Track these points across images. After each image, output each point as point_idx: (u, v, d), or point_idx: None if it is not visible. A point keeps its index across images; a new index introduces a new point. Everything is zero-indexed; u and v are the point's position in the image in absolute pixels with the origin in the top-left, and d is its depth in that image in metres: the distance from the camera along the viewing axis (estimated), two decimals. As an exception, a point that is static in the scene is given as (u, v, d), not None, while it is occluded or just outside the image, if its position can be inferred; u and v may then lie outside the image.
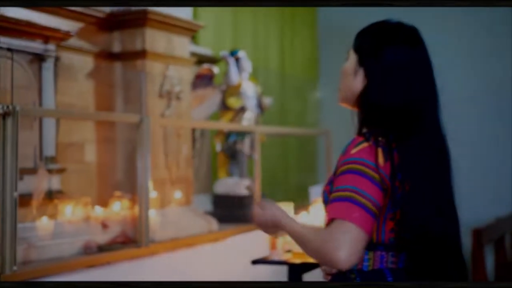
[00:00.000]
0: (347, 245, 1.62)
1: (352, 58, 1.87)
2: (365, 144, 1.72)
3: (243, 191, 5.24)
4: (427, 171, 1.74)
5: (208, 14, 6.04)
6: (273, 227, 1.86)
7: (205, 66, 5.26)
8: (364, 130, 1.80)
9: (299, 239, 1.76)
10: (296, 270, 3.45)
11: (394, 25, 1.87)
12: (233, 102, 5.28)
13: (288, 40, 7.46)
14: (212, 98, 5.28)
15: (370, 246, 1.75)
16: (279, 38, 7.32)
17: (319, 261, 1.74)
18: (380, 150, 1.71)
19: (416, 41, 1.84)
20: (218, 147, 5.40)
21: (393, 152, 1.72)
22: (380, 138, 1.73)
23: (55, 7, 3.75)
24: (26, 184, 3.43)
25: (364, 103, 1.81)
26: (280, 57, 7.30)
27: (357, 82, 1.83)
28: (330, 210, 1.69)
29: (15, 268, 2.99)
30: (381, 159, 1.70)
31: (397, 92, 1.77)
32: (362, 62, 1.83)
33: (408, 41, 1.83)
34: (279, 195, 5.89)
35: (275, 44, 7.22)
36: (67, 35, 3.75)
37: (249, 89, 5.35)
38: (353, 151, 1.72)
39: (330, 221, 1.67)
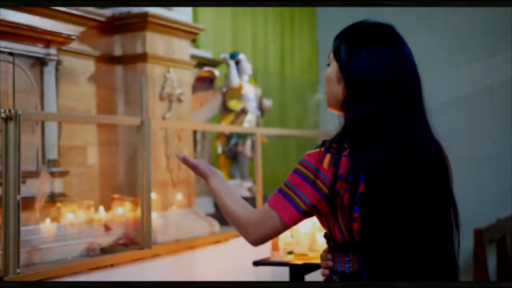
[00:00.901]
0: (264, 229, 1.85)
1: (334, 65, 1.88)
2: (316, 150, 1.79)
3: (245, 193, 5.25)
4: (386, 175, 1.75)
5: (208, 17, 6.07)
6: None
7: (206, 68, 5.29)
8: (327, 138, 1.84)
9: (220, 202, 1.97)
10: (298, 271, 3.46)
11: (370, 27, 1.88)
12: (234, 104, 5.30)
13: (288, 42, 7.49)
14: (213, 100, 5.30)
15: (349, 248, 1.81)
16: (279, 40, 7.34)
17: (233, 226, 1.94)
18: (328, 156, 1.76)
19: (394, 41, 1.85)
20: (220, 149, 5.43)
21: (340, 158, 1.75)
22: (334, 145, 1.77)
23: (56, 12, 3.77)
24: (29, 188, 3.45)
25: (347, 110, 1.83)
26: (280, 59, 7.32)
27: (341, 89, 1.85)
28: (271, 196, 1.87)
29: (18, 270, 3.01)
30: (326, 164, 1.75)
31: (378, 100, 1.79)
32: (342, 70, 1.85)
33: (386, 42, 1.84)
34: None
35: (274, 47, 7.25)
36: (68, 39, 3.76)
37: (250, 91, 5.37)
38: (306, 153, 1.81)
39: (265, 203, 1.87)
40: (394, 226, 1.74)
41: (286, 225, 1.82)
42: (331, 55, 1.90)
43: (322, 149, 1.77)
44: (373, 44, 1.82)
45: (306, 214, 1.80)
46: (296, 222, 1.83)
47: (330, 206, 1.77)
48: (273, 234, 1.86)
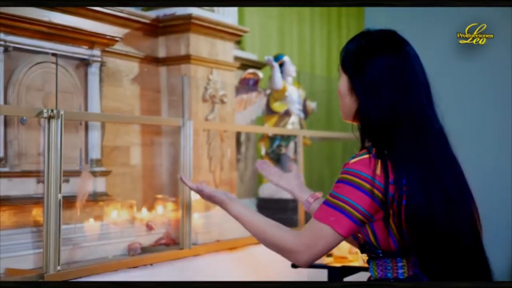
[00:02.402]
0: (317, 248, 1.75)
1: (343, 78, 1.89)
2: (365, 156, 1.77)
3: (287, 195, 5.24)
4: (427, 173, 1.76)
5: (254, 19, 6.09)
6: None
7: (250, 70, 5.30)
8: (367, 143, 1.83)
9: (254, 230, 1.94)
10: (336, 274, 3.45)
11: (373, 36, 1.88)
12: (277, 106, 5.31)
13: (335, 45, 7.47)
14: (257, 102, 5.31)
15: (402, 253, 1.79)
16: (325, 43, 7.33)
17: (277, 252, 1.85)
18: (379, 162, 1.75)
19: (398, 47, 1.85)
20: (263, 151, 5.44)
21: (387, 163, 1.74)
22: (376, 150, 1.77)
23: (100, 13, 3.84)
24: (73, 186, 3.51)
25: (362, 119, 1.84)
26: (326, 62, 7.30)
27: (353, 101, 1.86)
28: (317, 210, 1.79)
29: (59, 268, 3.06)
30: (379, 170, 1.74)
31: (391, 105, 1.79)
32: (352, 82, 1.85)
33: (390, 49, 1.84)
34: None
35: (321, 50, 7.23)
36: (112, 40, 3.82)
37: (294, 93, 5.38)
38: (352, 161, 1.78)
39: (313, 219, 1.79)
40: (445, 224, 1.73)
41: (341, 238, 1.75)
42: (339, 68, 1.91)
43: (371, 155, 1.76)
44: (378, 54, 1.83)
45: (360, 224, 1.76)
46: (351, 233, 1.77)
47: (385, 212, 1.74)
48: (327, 251, 1.78)
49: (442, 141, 1.83)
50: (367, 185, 1.73)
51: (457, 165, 1.84)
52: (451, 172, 1.81)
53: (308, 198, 2.26)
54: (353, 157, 1.79)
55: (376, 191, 1.72)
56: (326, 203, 1.78)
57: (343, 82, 1.89)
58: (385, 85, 1.80)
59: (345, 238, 1.76)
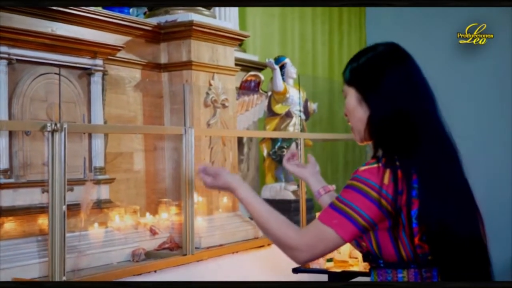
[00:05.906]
0: (318, 249, 1.82)
1: (352, 93, 1.95)
2: (374, 165, 1.82)
3: (290, 196, 5.30)
4: (438, 178, 1.80)
5: (256, 20, 6.13)
6: (227, 192, 2.12)
7: (252, 73, 5.35)
8: (379, 153, 1.88)
9: (258, 218, 2.01)
10: (336, 279, 3.50)
11: (380, 49, 1.95)
12: (279, 108, 5.36)
13: (336, 45, 7.49)
14: (258, 104, 5.36)
15: (403, 264, 1.84)
16: (327, 41, 7.35)
17: (278, 246, 1.91)
18: (388, 171, 1.79)
19: (402, 57, 1.92)
20: (265, 152, 5.48)
21: (398, 173, 1.78)
22: (388, 160, 1.82)
23: (103, 22, 3.89)
24: (77, 195, 3.55)
25: (376, 128, 1.88)
26: (328, 60, 7.33)
27: (364, 112, 1.91)
28: (323, 212, 1.85)
29: (64, 278, 3.11)
30: (386, 180, 1.78)
31: (402, 113, 1.85)
32: (362, 93, 1.92)
33: (400, 61, 1.91)
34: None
35: (323, 48, 7.26)
36: (114, 49, 3.86)
37: (295, 95, 5.42)
38: (361, 169, 1.83)
39: (316, 220, 1.84)
40: (457, 226, 1.79)
41: (342, 242, 1.82)
42: (345, 88, 1.99)
43: (380, 165, 1.80)
44: (390, 63, 1.90)
45: (363, 231, 1.80)
46: (353, 238, 1.83)
47: (393, 223, 1.79)
48: (327, 253, 1.86)
49: (453, 150, 1.89)
50: (374, 194, 1.77)
51: (464, 175, 1.88)
52: (462, 183, 1.86)
53: (319, 189, 2.35)
54: (363, 165, 1.84)
55: (383, 201, 1.77)
56: (332, 206, 1.83)
57: (351, 99, 1.95)
58: (400, 95, 1.86)
59: (346, 242, 1.82)
